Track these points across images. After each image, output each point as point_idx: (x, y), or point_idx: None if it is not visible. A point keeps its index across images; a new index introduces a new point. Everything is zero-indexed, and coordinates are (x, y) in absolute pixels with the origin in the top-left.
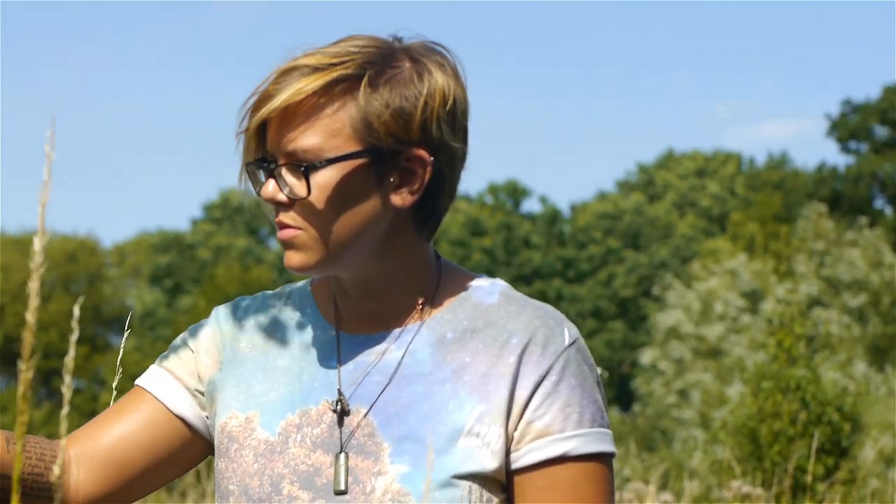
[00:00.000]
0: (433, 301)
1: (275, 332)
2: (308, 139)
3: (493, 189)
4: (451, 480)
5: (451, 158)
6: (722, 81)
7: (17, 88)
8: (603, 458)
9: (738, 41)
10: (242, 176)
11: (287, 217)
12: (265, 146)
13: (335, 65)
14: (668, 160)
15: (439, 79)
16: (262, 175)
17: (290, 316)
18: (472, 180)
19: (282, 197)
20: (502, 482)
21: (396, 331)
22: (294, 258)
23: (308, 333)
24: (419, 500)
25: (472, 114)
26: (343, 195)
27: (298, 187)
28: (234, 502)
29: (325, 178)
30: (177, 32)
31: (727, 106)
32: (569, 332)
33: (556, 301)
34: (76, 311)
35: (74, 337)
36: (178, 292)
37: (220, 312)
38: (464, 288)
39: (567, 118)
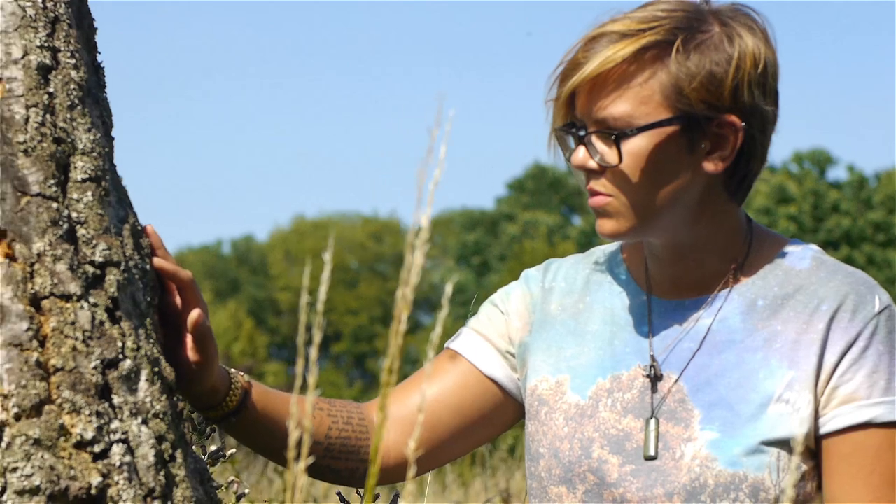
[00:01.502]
0: (745, 266)
1: (585, 295)
2: (618, 107)
3: (798, 157)
4: (760, 447)
5: (762, 122)
6: None
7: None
8: None
9: None
10: (551, 142)
11: (598, 184)
12: (573, 113)
13: (644, 31)
14: None
15: (749, 42)
16: (571, 142)
17: (601, 279)
18: (776, 149)
19: (592, 164)
20: (811, 448)
21: (707, 297)
22: (606, 225)
23: (619, 297)
24: (727, 466)
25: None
26: (655, 162)
27: (609, 155)
28: (544, 465)
29: (636, 146)
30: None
31: None
32: (880, 298)
33: (866, 266)
34: (448, 289)
35: (443, 313)
36: (485, 270)
37: (530, 275)
38: (775, 253)
39: (862, 85)
